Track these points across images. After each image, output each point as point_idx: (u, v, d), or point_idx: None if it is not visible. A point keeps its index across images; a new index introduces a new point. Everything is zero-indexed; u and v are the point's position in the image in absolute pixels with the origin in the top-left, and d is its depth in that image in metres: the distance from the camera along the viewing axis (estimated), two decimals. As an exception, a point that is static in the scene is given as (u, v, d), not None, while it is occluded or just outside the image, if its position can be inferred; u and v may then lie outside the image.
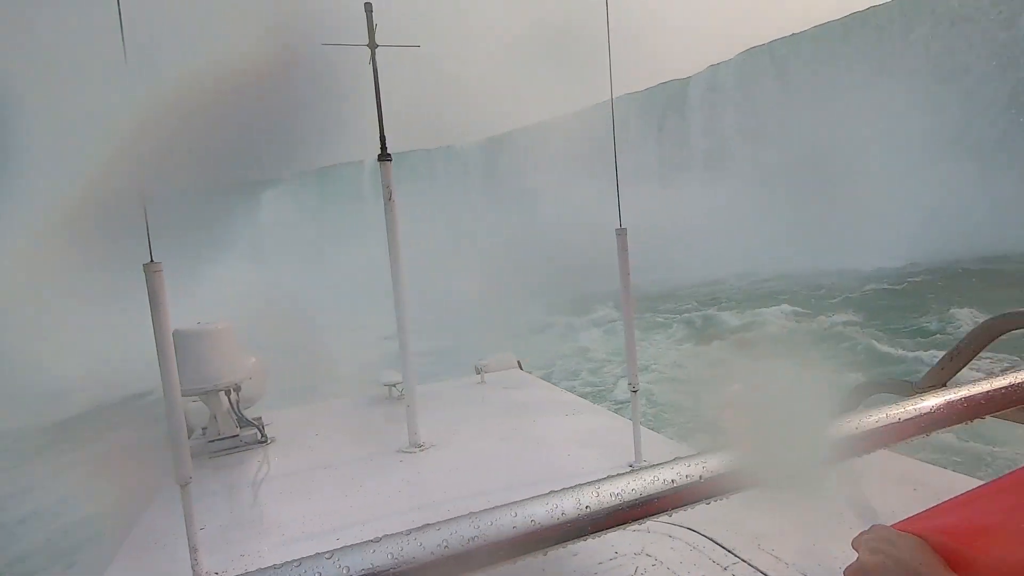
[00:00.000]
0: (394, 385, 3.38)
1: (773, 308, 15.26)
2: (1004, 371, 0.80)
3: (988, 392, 0.76)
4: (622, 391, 9.72)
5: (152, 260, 1.53)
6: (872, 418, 0.69)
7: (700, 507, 0.66)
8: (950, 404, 0.74)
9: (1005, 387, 0.76)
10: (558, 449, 2.57)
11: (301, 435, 3.07)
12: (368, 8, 2.40)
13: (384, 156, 2.57)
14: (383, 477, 2.45)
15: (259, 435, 2.97)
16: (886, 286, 16.21)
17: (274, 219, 37.45)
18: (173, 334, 2.33)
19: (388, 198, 2.58)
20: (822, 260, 18.98)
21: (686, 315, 16.56)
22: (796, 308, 15.03)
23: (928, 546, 0.66)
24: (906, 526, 0.71)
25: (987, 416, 0.76)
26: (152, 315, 1.57)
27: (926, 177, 21.13)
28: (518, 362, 4.05)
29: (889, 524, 0.73)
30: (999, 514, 0.64)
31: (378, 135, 2.58)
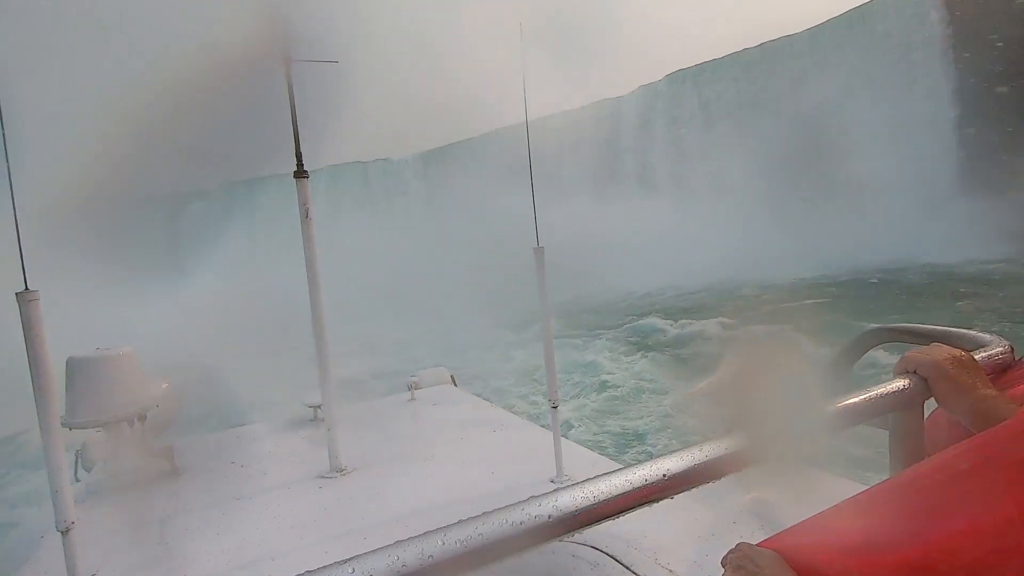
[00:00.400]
0: (317, 407, 3.27)
1: (711, 320, 15.89)
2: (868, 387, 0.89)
3: (861, 401, 0.83)
4: (571, 407, 9.84)
5: (27, 288, 1.42)
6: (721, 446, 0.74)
7: (604, 524, 0.69)
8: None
9: (844, 407, 0.83)
10: (482, 467, 2.55)
11: (215, 464, 2.91)
12: (280, 21, 2.34)
13: (300, 173, 2.51)
14: (300, 506, 2.36)
15: (168, 466, 2.79)
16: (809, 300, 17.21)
17: (198, 232, 35.84)
18: (68, 362, 2.15)
19: (305, 216, 2.52)
20: (746, 273, 20.04)
21: (626, 327, 16.94)
22: (726, 320, 15.74)
23: (785, 563, 0.71)
24: (770, 543, 0.75)
25: (860, 424, 0.83)
26: (27, 347, 1.45)
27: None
28: (451, 377, 4.02)
29: (761, 539, 0.77)
30: (853, 532, 0.69)
31: (293, 151, 2.52)
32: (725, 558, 0.78)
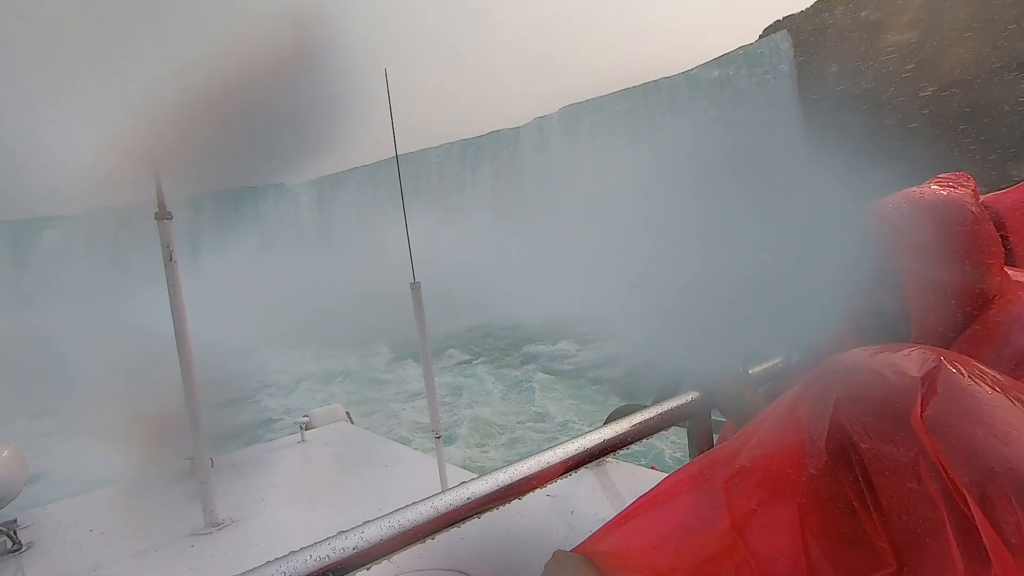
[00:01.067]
0: (192, 458, 3.06)
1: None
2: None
3: (638, 424, 0.98)
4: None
5: None
6: (524, 467, 0.84)
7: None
8: (613, 439, 0.93)
9: (650, 418, 0.98)
10: (369, 505, 2.52)
11: (70, 533, 2.63)
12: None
13: (163, 214, 2.39)
14: (167, 570, 2.20)
15: (10, 542, 2.49)
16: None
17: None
18: None
19: (169, 259, 2.40)
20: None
21: (522, 351, 17.23)
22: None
23: (595, 566, 0.80)
24: (582, 548, 0.85)
25: (618, 453, 0.98)
26: None
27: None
28: (347, 413, 3.91)
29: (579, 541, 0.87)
30: (646, 530, 0.79)
31: (155, 191, 2.41)
32: (547, 564, 0.87)
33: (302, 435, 3.48)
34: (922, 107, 21.55)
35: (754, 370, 1.17)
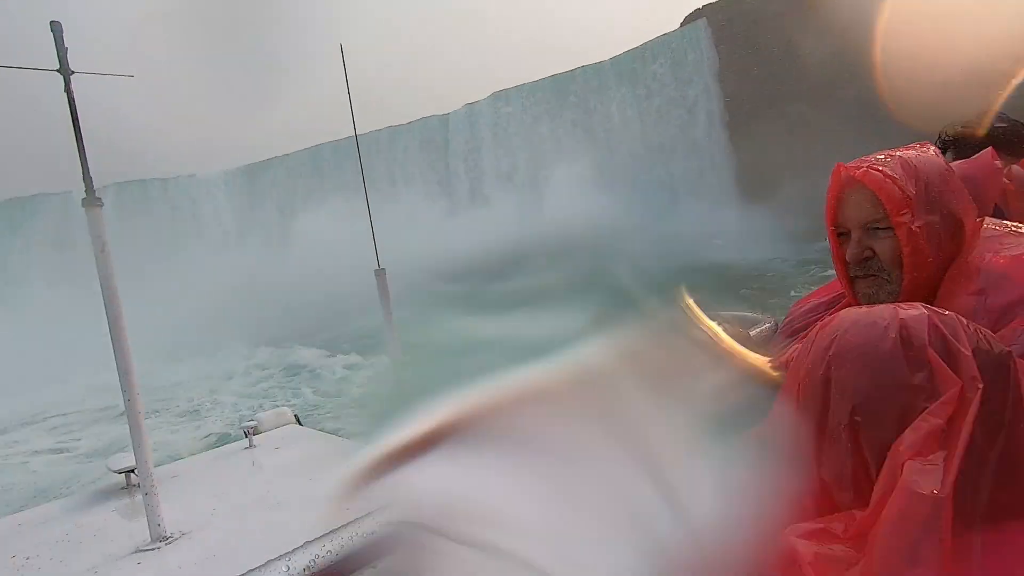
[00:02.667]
0: (131, 471, 2.80)
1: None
2: None
3: None
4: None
5: None
6: None
7: None
8: None
9: None
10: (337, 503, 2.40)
11: None
12: (56, 29, 1.99)
13: (92, 200, 2.15)
14: None
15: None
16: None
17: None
18: None
19: (101, 250, 2.16)
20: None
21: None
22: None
23: None
24: None
25: None
26: None
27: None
28: (295, 416, 3.71)
29: None
30: None
31: (81, 175, 2.16)
32: None
33: (249, 440, 3.27)
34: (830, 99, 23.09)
35: (752, 332, 1.19)
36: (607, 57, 29.79)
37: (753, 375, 1.02)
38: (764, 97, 25.05)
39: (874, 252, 1.05)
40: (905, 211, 1.00)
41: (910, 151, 1.08)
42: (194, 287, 25.79)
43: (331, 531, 1.62)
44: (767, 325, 1.29)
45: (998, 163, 1.31)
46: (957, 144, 1.78)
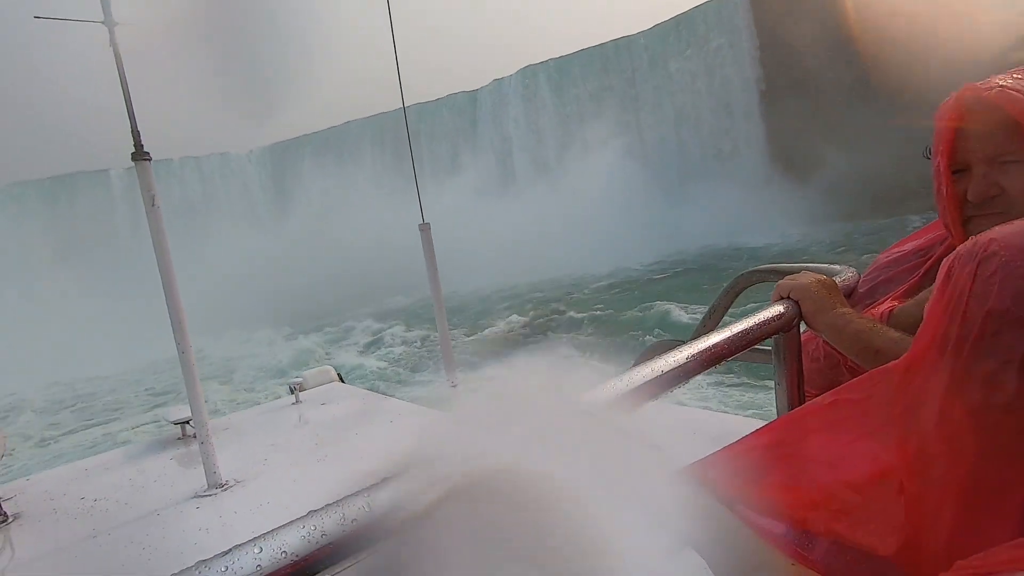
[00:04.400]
0: (186, 422, 2.90)
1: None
2: (731, 323, 0.94)
3: (725, 340, 0.88)
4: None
5: None
6: (638, 374, 0.74)
7: None
8: (699, 353, 0.83)
9: (736, 334, 0.89)
10: (382, 458, 2.44)
11: (61, 503, 2.46)
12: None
13: (141, 155, 2.18)
14: (175, 531, 2.08)
15: (-14, 516, 2.31)
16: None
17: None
18: None
19: (151, 204, 2.20)
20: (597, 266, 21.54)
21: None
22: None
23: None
24: (689, 472, 0.78)
25: (727, 361, 0.88)
26: None
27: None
28: (339, 375, 3.79)
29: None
30: (765, 461, 0.73)
31: (130, 131, 2.19)
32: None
33: (296, 396, 3.35)
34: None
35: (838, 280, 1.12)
36: (638, 31, 29.07)
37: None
38: (801, 75, 24.08)
39: (1002, 188, 0.90)
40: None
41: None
42: (229, 265, 26.39)
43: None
44: (849, 275, 1.20)
45: None
46: None
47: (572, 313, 15.51)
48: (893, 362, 0.62)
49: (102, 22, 2.04)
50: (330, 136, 34.95)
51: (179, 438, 2.92)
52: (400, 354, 15.33)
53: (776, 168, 24.70)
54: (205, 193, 34.01)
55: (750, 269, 1.46)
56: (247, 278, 24.96)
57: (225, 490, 2.33)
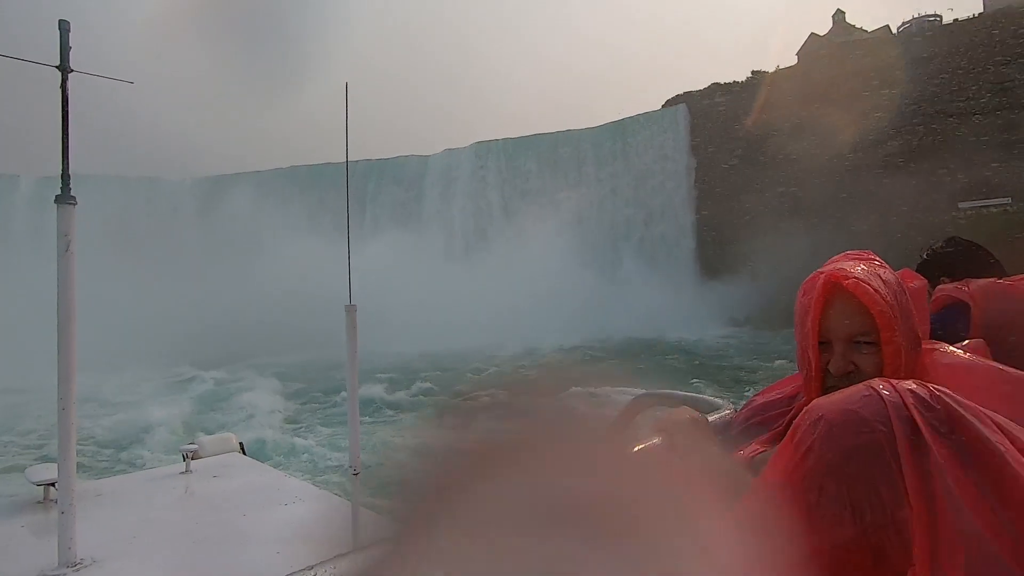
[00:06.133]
0: (51, 484, 2.60)
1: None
2: None
3: None
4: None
5: None
6: None
7: None
8: None
9: None
10: (267, 547, 2.28)
11: None
12: (63, 27, 1.99)
13: (66, 198, 2.09)
14: None
15: None
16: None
17: None
18: None
19: (65, 249, 2.08)
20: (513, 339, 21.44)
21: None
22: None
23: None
24: None
25: None
26: None
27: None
28: (240, 444, 3.53)
29: None
30: None
31: (60, 172, 2.10)
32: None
33: (187, 465, 3.09)
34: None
35: (711, 418, 1.21)
36: (585, 127, 31.10)
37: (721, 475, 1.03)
38: (731, 185, 26.44)
39: (856, 366, 1.02)
40: (895, 328, 1.01)
41: (869, 262, 1.10)
42: (145, 296, 24.62)
43: None
44: (727, 412, 1.31)
45: (914, 284, 1.44)
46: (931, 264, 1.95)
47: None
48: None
49: (57, 67, 2.01)
50: (275, 176, 34.36)
51: (39, 502, 2.60)
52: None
53: (702, 268, 26.43)
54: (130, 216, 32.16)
55: (646, 392, 1.55)
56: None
57: (77, 571, 2.09)
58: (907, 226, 21.27)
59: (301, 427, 13.43)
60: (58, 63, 2.00)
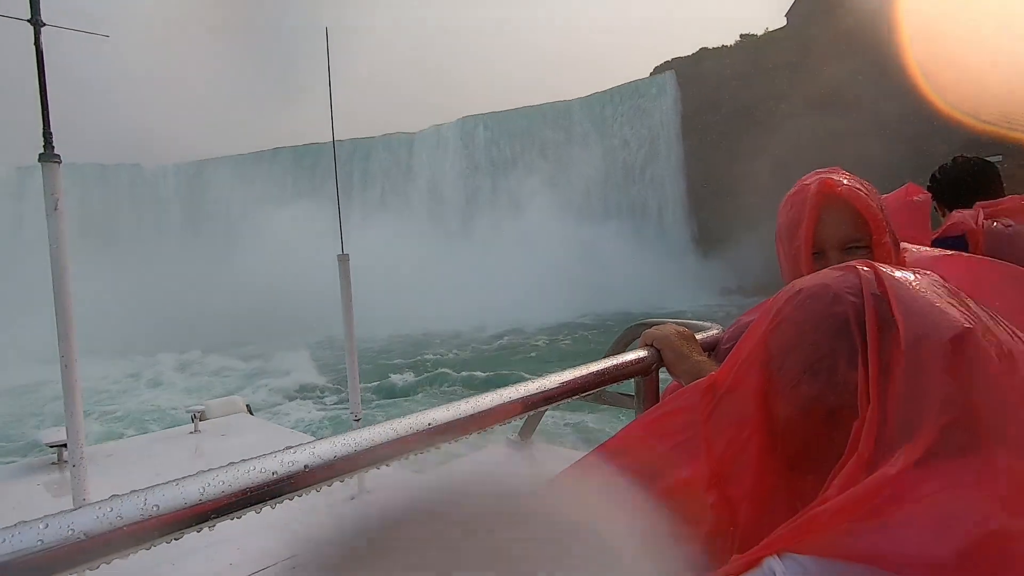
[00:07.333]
0: (62, 445, 2.64)
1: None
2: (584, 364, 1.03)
3: (585, 375, 0.97)
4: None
5: None
6: (486, 400, 0.81)
7: None
8: (564, 384, 0.93)
9: (595, 371, 0.99)
10: None
11: None
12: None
13: (49, 156, 2.07)
14: None
15: None
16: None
17: None
18: None
19: (53, 208, 2.07)
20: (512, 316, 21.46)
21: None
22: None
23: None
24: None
25: (593, 397, 0.96)
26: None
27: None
28: (247, 406, 3.58)
29: None
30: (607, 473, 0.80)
31: (41, 130, 2.08)
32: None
33: (195, 426, 3.13)
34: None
35: (700, 336, 1.25)
36: (574, 97, 30.75)
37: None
38: (722, 153, 26.30)
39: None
40: (885, 232, 1.06)
41: (846, 174, 1.12)
42: (131, 282, 24.50)
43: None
44: (714, 331, 1.34)
45: (918, 197, 1.47)
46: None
47: (446, 370, 15.30)
48: (703, 377, 0.74)
49: (28, 20, 1.97)
50: (255, 159, 33.90)
51: (53, 463, 2.64)
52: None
53: (694, 238, 26.41)
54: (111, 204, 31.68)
55: (637, 323, 1.59)
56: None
57: (93, 522, 2.13)
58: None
59: (301, 395, 13.72)
60: (29, 17, 1.96)
